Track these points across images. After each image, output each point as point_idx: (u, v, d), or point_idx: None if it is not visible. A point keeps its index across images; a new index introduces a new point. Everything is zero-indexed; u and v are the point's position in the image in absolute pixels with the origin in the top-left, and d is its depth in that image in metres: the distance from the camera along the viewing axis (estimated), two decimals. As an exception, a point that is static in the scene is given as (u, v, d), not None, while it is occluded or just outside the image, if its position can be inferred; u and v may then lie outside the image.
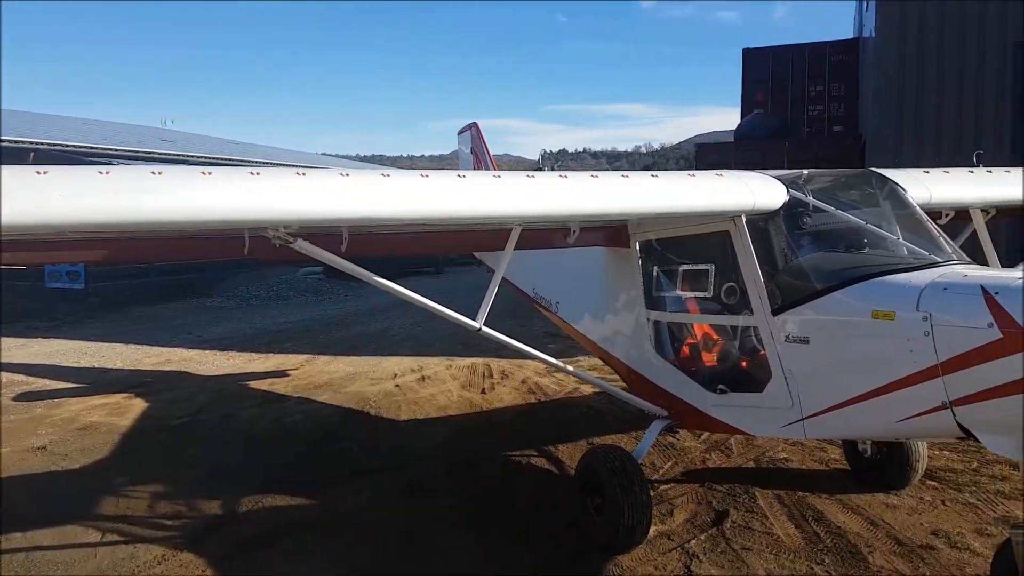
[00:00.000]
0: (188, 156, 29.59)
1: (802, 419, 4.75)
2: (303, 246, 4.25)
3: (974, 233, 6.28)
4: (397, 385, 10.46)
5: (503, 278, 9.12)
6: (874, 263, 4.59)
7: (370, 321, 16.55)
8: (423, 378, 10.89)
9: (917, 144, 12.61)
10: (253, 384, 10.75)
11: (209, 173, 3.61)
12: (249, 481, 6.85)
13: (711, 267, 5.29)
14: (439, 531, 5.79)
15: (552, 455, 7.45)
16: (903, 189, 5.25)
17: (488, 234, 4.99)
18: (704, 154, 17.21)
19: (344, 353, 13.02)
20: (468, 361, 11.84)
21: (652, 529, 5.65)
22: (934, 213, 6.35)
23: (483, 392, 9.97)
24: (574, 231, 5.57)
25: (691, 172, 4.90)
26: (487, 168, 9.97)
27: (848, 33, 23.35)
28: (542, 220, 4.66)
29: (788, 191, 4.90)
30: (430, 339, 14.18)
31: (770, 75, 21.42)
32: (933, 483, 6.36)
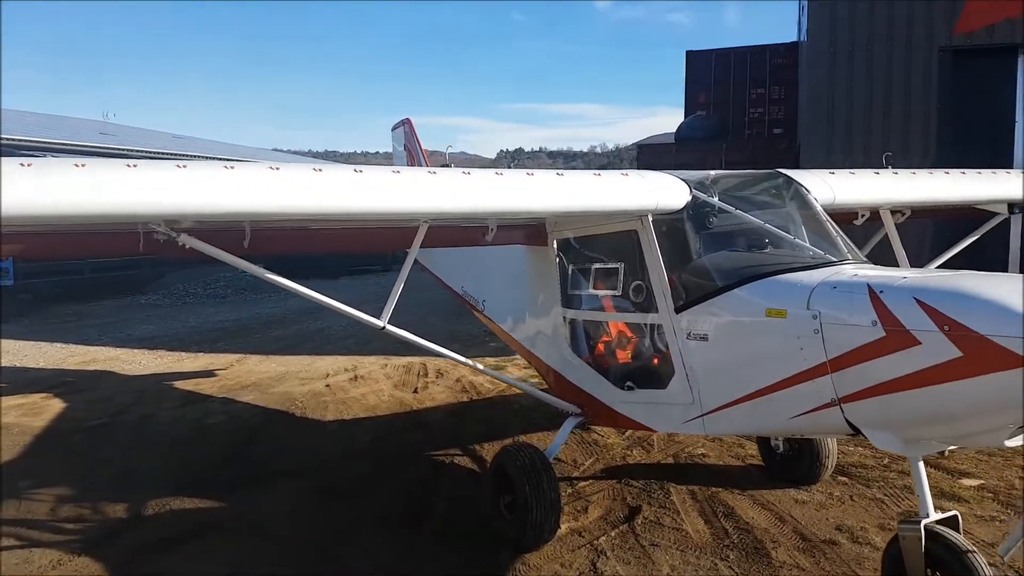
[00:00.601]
0: (127, 150, 28.75)
1: (702, 415, 4.80)
2: (189, 241, 4.12)
3: (895, 233, 6.37)
4: (328, 385, 10.31)
5: (436, 277, 9.27)
6: (771, 262, 4.65)
7: (309, 320, 16.30)
8: (356, 378, 10.75)
9: (847, 147, 12.91)
10: (178, 384, 10.48)
11: (83, 165, 3.46)
12: (160, 484, 6.66)
13: (620, 266, 5.31)
14: (352, 533, 5.69)
15: (477, 454, 7.41)
16: (807, 190, 5.34)
17: (397, 231, 4.92)
18: (645, 155, 17.40)
19: (278, 352, 12.80)
20: (405, 360, 11.73)
21: (565, 526, 5.66)
22: (850, 214, 6.51)
23: (415, 391, 9.89)
24: (492, 229, 5.54)
25: (597, 172, 4.90)
26: (420, 165, 9.88)
27: (792, 37, 23.82)
28: (445, 217, 4.61)
29: (691, 192, 4.93)
30: (369, 337, 13.97)
31: (712, 77, 21.74)
32: (844, 479, 6.49)
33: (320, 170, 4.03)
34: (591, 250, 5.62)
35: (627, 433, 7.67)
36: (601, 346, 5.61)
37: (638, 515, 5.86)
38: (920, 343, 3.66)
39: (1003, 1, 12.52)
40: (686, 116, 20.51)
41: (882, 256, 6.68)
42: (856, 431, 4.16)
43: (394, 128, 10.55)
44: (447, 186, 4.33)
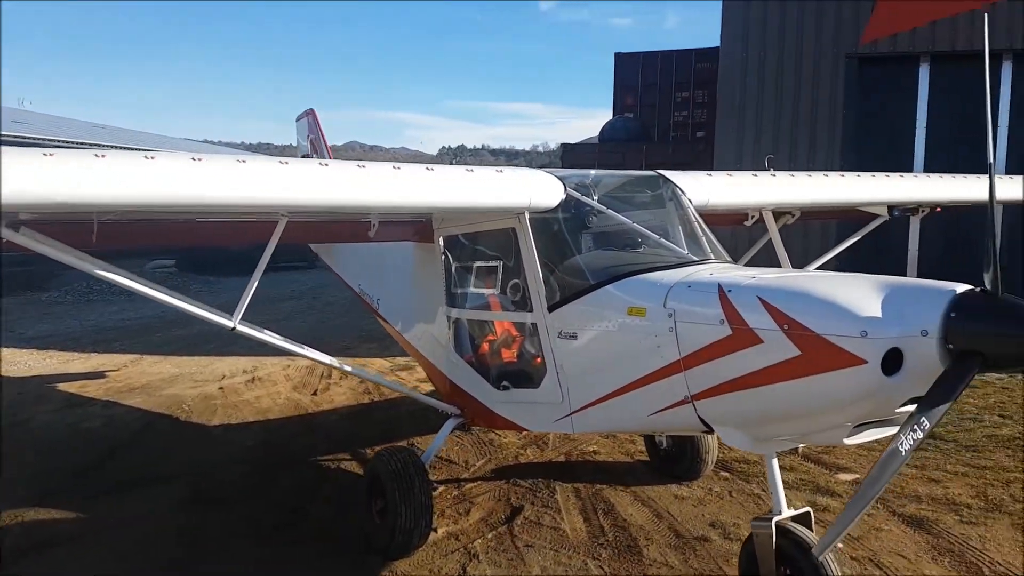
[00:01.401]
0: (39, 139, 27.41)
1: (570, 414, 4.74)
2: (23, 239, 3.85)
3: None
4: (221, 388, 9.92)
5: (336, 274, 9.02)
6: (636, 261, 4.64)
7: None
8: (254, 379, 10.39)
9: (756, 150, 13.18)
10: (63, 387, 9.93)
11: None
12: (19, 493, 6.25)
13: (500, 264, 5.22)
14: (216, 544, 5.42)
15: (366, 458, 7.20)
16: (682, 191, 5.33)
17: (256, 225, 4.69)
18: (569, 155, 17.45)
19: (176, 353, 12.29)
20: (308, 361, 11.37)
21: (443, 530, 5.54)
22: (740, 215, 6.58)
23: (315, 394, 9.60)
24: (374, 225, 5.38)
25: (470, 168, 4.77)
26: (322, 157, 9.59)
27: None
28: (304, 211, 4.42)
29: (566, 190, 4.87)
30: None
31: (639, 80, 21.99)
32: (725, 474, 6.55)
33: (153, 158, 3.78)
34: (474, 248, 5.51)
35: (523, 432, 7.58)
36: (481, 346, 5.50)
37: (519, 515, 5.78)
38: (763, 341, 3.67)
39: (904, 12, 13.00)
40: (614, 117, 20.69)
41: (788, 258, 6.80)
42: (709, 428, 4.15)
43: (298, 119, 10.22)
44: (301, 179, 4.13)
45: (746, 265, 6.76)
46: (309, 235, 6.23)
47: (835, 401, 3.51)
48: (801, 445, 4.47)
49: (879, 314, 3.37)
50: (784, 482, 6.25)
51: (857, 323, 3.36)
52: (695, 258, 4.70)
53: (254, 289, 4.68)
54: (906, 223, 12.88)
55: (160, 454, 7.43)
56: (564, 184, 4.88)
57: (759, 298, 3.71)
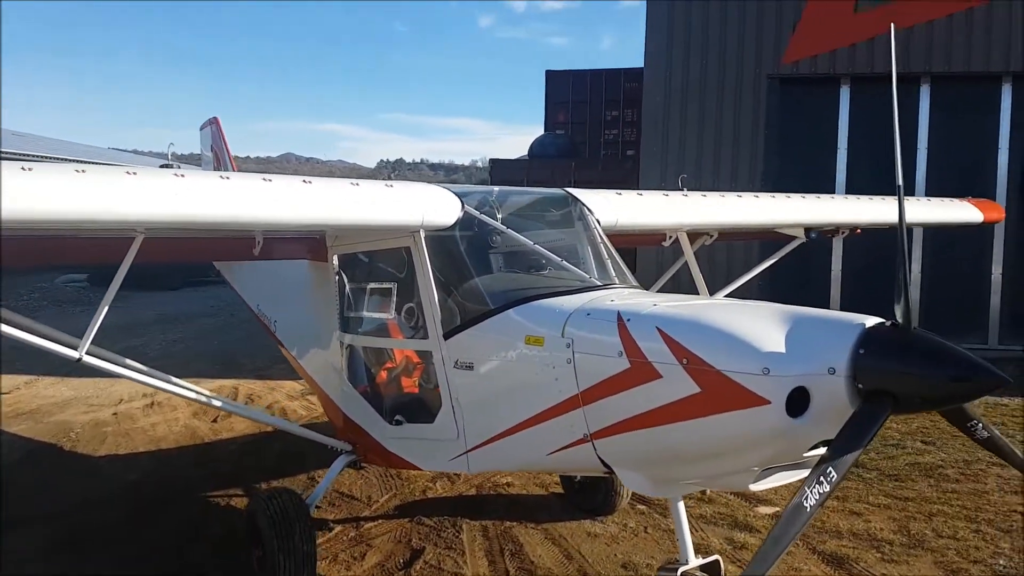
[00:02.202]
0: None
1: (466, 451, 4.35)
2: None
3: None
4: (115, 413, 9.19)
5: (237, 293, 8.43)
6: (536, 285, 4.30)
7: (127, 337, 14.79)
8: (153, 404, 9.66)
9: (679, 169, 13.09)
10: (-63, 413, 9.04)
11: None
12: None
13: (394, 287, 4.81)
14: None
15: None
16: (590, 211, 5.02)
17: (110, 242, 4.16)
18: (497, 170, 17.15)
19: (76, 374, 11.41)
20: (215, 384, 10.70)
21: (335, 576, 5.07)
22: (658, 235, 6.33)
23: (215, 421, 8.94)
24: (259, 241, 4.89)
25: (356, 181, 4.36)
26: (225, 168, 9.01)
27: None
28: (161, 227, 3.93)
29: (463, 207, 4.48)
30: (188, 358, 12.90)
31: (570, 97, 21.95)
32: (642, 507, 6.24)
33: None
34: (369, 268, 5.09)
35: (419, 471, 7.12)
36: (374, 376, 5.07)
37: (419, 559, 5.34)
38: (661, 376, 3.36)
39: (824, 35, 13.19)
40: (544, 133, 20.56)
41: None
42: (611, 470, 3.82)
43: (202, 128, 9.60)
44: (152, 191, 3.64)
45: (660, 290, 6.53)
46: (181, 254, 5.65)
47: (737, 444, 3.22)
48: (703, 489, 4.17)
49: (783, 349, 3.10)
50: (700, 516, 6.08)
51: (759, 359, 3.08)
52: (598, 282, 4.37)
53: (104, 313, 4.16)
54: (828, 244, 12.96)
55: (33, 490, 6.72)
56: (462, 201, 4.51)
57: (658, 329, 3.41)
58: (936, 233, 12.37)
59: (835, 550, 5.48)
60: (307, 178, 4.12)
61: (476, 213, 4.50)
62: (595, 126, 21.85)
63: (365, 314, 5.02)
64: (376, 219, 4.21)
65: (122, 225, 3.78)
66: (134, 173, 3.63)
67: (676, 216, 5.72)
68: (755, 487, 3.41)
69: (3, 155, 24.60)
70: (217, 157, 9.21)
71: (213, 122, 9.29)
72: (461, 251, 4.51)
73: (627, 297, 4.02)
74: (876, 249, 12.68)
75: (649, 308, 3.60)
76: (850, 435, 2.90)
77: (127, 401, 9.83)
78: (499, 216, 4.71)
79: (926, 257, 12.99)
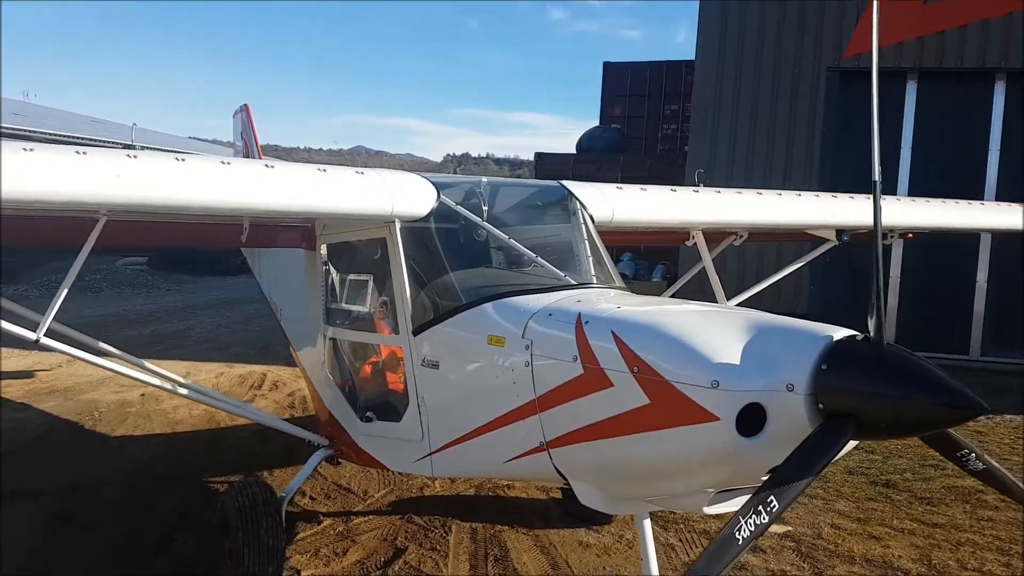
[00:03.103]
0: (32, 132, 27.12)
1: (430, 454, 4.16)
2: None
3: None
4: (143, 394, 9.35)
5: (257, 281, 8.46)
6: (506, 282, 4.07)
7: (176, 319, 15.25)
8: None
9: (729, 167, 12.58)
10: (-20, 386, 9.42)
11: None
12: None
13: (370, 279, 4.66)
14: (70, 568, 4.90)
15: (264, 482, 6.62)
16: (582, 205, 4.73)
17: (66, 223, 4.11)
18: (543, 164, 16.87)
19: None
20: (246, 369, 10.87)
21: (309, 572, 4.97)
22: (681, 234, 5.99)
23: (235, 405, 9.02)
24: (245, 228, 4.82)
25: (323, 167, 4.20)
26: (253, 156, 9.07)
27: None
28: (125, 210, 3.86)
29: (439, 198, 4.27)
30: (229, 341, 13.16)
31: (628, 90, 21.46)
32: (643, 520, 5.93)
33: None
34: (351, 260, 4.95)
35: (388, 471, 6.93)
36: (351, 370, 4.93)
37: (399, 559, 5.19)
38: (612, 385, 3.09)
39: (891, 27, 12.40)
40: (595, 127, 20.15)
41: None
42: (568, 482, 3.56)
43: (234, 115, 9.70)
44: (103, 172, 3.56)
45: (674, 293, 6.19)
46: (160, 238, 5.55)
47: (685, 463, 2.93)
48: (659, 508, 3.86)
49: (737, 361, 2.78)
50: (704, 532, 5.74)
51: (709, 370, 2.78)
52: (573, 281, 4.10)
53: (64, 295, 4.11)
54: (888, 248, 12.27)
55: (45, 466, 6.88)
56: (438, 191, 4.30)
57: (612, 333, 3.14)
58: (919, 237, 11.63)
59: (843, 577, 5.08)
60: (271, 162, 3.98)
61: (452, 204, 4.28)
62: (653, 120, 21.30)
63: (344, 306, 4.88)
64: (341, 207, 4.04)
65: (73, 207, 3.71)
66: (83, 153, 3.56)
67: (681, 213, 5.36)
68: (710, 510, 3.10)
69: (80, 141, 25.67)
70: (246, 144, 9.28)
71: (243, 110, 9.36)
72: (435, 243, 4.31)
73: (596, 298, 3.74)
74: (935, 252, 11.96)
75: (610, 310, 3.33)
76: (800, 461, 2.57)
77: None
78: (486, 208, 4.49)
79: (905, 262, 12.34)
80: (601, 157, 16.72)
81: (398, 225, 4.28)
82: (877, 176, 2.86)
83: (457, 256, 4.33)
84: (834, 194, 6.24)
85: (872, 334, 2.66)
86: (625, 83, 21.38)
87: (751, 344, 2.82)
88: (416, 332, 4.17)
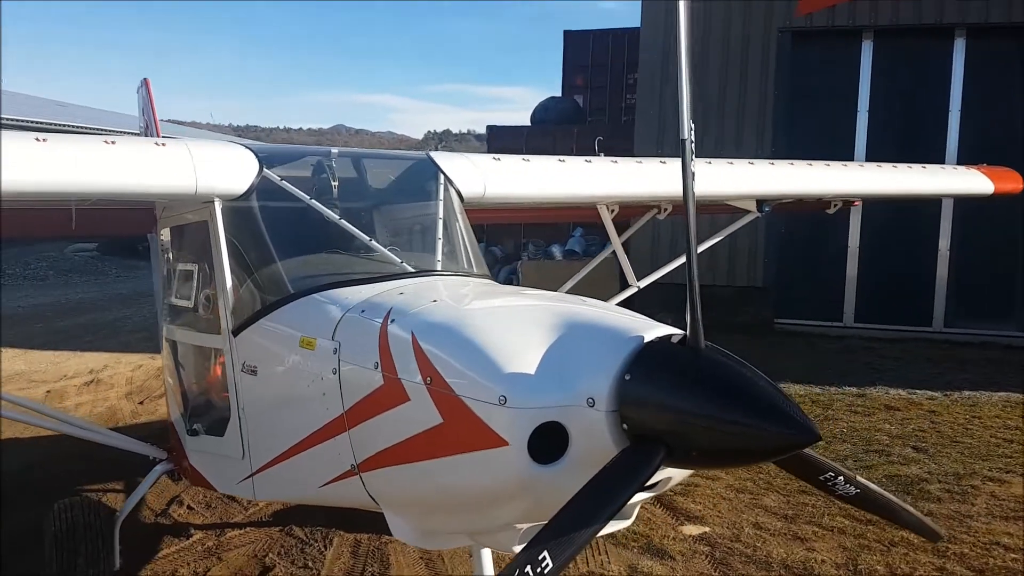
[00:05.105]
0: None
1: (252, 474, 3.59)
2: None
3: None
4: (49, 391, 8.80)
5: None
6: (330, 272, 3.47)
7: (116, 308, 14.66)
8: (93, 382, 9.27)
9: (675, 135, 11.95)
10: None
11: None
12: None
13: (196, 270, 4.06)
14: None
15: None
16: (448, 180, 4.12)
17: None
18: (496, 137, 16.20)
19: (40, 347, 11.19)
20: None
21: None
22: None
23: (141, 403, 8.46)
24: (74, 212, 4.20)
25: (111, 139, 3.57)
26: (151, 134, 8.39)
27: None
28: None
29: (261, 172, 3.66)
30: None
31: (590, 60, 20.74)
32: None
33: None
34: (182, 247, 4.37)
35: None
36: (182, 375, 4.36)
37: (265, 577, 4.67)
38: (409, 399, 2.53)
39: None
40: (555, 97, 19.47)
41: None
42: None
43: (137, 90, 8.98)
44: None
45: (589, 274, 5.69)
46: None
47: (477, 496, 2.39)
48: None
49: (532, 371, 2.23)
50: (612, 534, 5.22)
51: (497, 383, 2.23)
52: (411, 269, 3.51)
53: None
54: (846, 214, 11.76)
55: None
56: (261, 163, 3.67)
57: (412, 335, 2.57)
58: (877, 203, 10.93)
59: (752, 587, 4.58)
60: (41, 135, 3.36)
61: (276, 180, 3.67)
62: (615, 90, 20.62)
63: (175, 301, 4.30)
64: (130, 185, 3.41)
65: None
66: None
67: (567, 188, 4.74)
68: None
69: (36, 126, 24.67)
70: (146, 119, 8.60)
71: (144, 84, 8.66)
72: (259, 226, 3.69)
73: (424, 290, 3.14)
74: (895, 218, 11.47)
75: (420, 307, 2.75)
76: (584, 503, 2.02)
77: (69, 378, 9.46)
78: (335, 183, 3.89)
79: (864, 228, 11.80)
80: (555, 128, 16.06)
81: (218, 205, 3.67)
82: (687, 133, 2.28)
83: (285, 241, 3.72)
84: (751, 161, 5.68)
85: (689, 334, 2.10)
86: (587, 52, 20.65)
87: (552, 349, 2.27)
88: (236, 331, 3.58)
